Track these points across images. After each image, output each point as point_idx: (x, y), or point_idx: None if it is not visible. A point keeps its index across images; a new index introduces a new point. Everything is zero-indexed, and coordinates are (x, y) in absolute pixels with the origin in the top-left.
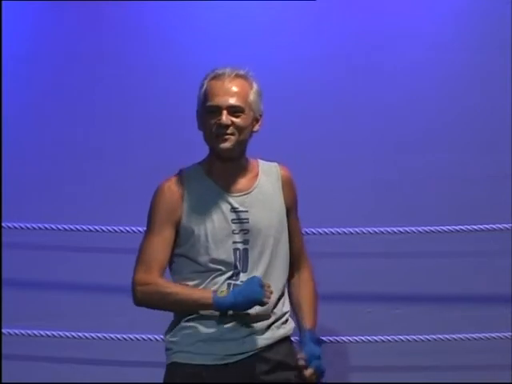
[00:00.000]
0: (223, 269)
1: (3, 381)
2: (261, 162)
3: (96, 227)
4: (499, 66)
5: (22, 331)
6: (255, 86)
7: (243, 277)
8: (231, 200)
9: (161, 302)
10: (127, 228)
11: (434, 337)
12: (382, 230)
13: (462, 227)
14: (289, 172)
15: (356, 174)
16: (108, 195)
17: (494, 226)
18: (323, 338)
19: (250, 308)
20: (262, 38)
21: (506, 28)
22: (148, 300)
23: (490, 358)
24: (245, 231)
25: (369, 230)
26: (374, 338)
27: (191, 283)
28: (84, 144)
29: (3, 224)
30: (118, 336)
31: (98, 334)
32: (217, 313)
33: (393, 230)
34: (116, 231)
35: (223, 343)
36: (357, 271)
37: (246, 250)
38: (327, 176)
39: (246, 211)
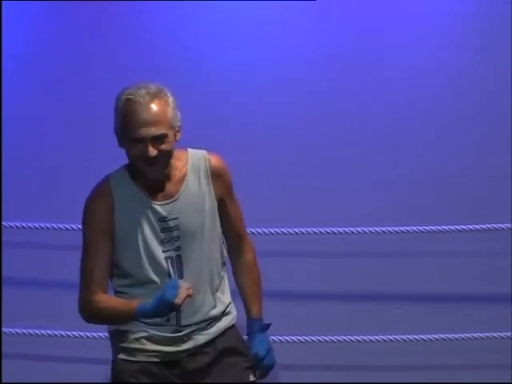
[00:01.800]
0: (157, 280)
1: (3, 381)
2: (190, 153)
3: None
4: (499, 66)
5: (22, 331)
6: (170, 100)
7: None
8: (159, 209)
9: (103, 319)
10: None
11: (434, 336)
12: (382, 229)
13: (462, 227)
14: (219, 160)
15: (356, 174)
16: None
17: (494, 226)
18: (267, 323)
19: (169, 312)
20: (262, 38)
21: (506, 28)
22: (93, 318)
23: (490, 357)
24: (175, 238)
25: (369, 229)
26: (375, 337)
27: (132, 293)
28: (84, 144)
29: (3, 223)
30: None
31: (99, 334)
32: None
33: (394, 230)
34: None
35: (166, 341)
36: (357, 271)
37: (178, 257)
38: (327, 176)
39: (175, 218)
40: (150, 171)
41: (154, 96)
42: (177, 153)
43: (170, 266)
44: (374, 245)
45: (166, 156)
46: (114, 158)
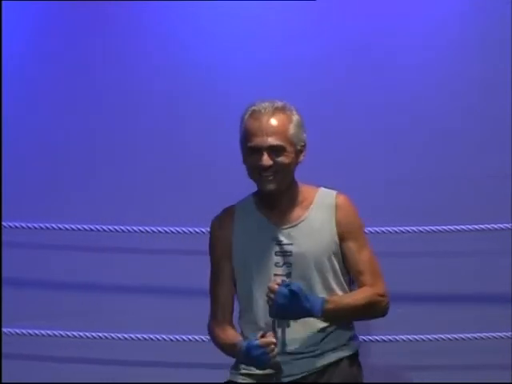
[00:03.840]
0: (258, 307)
1: (3, 381)
2: (321, 190)
3: (97, 227)
4: (499, 66)
5: (22, 331)
6: (295, 118)
7: None
8: (277, 233)
9: (218, 347)
10: (127, 228)
11: (434, 336)
12: (382, 229)
13: (462, 227)
14: (346, 200)
15: (356, 175)
16: (108, 195)
17: (494, 226)
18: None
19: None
20: (262, 38)
21: (506, 28)
22: (213, 342)
23: (490, 357)
24: (288, 264)
25: (369, 229)
26: (376, 337)
27: (246, 318)
28: (84, 144)
29: (3, 224)
30: (119, 335)
31: (99, 334)
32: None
33: (394, 230)
34: (116, 231)
35: (274, 364)
36: None
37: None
38: (327, 176)
39: (291, 244)
40: (262, 182)
41: (277, 109)
42: (307, 187)
43: None
44: (373, 245)
45: (282, 170)
46: (114, 158)
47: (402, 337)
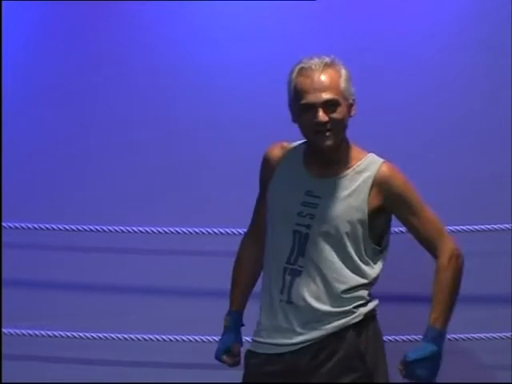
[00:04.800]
0: (280, 247)
1: (3, 381)
2: (370, 157)
3: (96, 227)
4: (500, 67)
5: (22, 331)
6: (343, 72)
7: (301, 261)
8: (309, 183)
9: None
10: (127, 228)
11: None
12: None
13: (461, 227)
14: (389, 171)
15: None
16: (108, 195)
17: (494, 226)
18: (442, 334)
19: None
20: (262, 38)
21: (506, 28)
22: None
23: (490, 358)
24: (311, 216)
25: None
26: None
27: (265, 260)
28: (84, 144)
29: (3, 224)
30: (119, 336)
31: (99, 334)
32: (275, 304)
33: (394, 230)
34: (116, 231)
35: (281, 333)
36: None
37: (306, 235)
38: None
39: (319, 197)
40: (319, 139)
41: (327, 65)
42: (358, 149)
43: (297, 240)
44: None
45: (338, 126)
46: (114, 158)
47: (402, 337)
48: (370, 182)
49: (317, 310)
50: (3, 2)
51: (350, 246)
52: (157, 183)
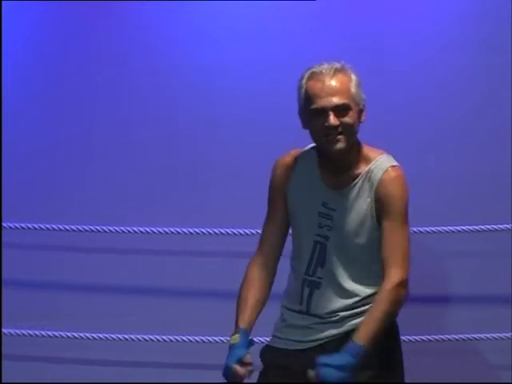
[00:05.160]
0: (301, 256)
1: (3, 381)
2: (382, 158)
3: (96, 227)
4: (500, 67)
5: (22, 331)
6: (354, 78)
7: (320, 272)
8: (325, 194)
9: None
10: (127, 228)
11: (434, 337)
12: None
13: (462, 227)
14: (392, 174)
15: None
16: (108, 195)
17: (494, 227)
18: (358, 356)
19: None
20: (262, 38)
21: (506, 28)
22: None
23: (490, 358)
24: (328, 227)
25: None
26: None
27: (292, 266)
28: (84, 144)
29: (3, 224)
30: (119, 336)
31: (99, 334)
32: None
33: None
34: (116, 231)
35: (297, 329)
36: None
37: (324, 246)
38: None
39: (334, 210)
40: (330, 143)
41: (337, 70)
42: (371, 151)
43: (317, 251)
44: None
45: (348, 130)
46: (114, 158)
47: (403, 337)
48: (374, 186)
49: (335, 316)
50: (3, 2)
51: (368, 256)
52: (157, 183)
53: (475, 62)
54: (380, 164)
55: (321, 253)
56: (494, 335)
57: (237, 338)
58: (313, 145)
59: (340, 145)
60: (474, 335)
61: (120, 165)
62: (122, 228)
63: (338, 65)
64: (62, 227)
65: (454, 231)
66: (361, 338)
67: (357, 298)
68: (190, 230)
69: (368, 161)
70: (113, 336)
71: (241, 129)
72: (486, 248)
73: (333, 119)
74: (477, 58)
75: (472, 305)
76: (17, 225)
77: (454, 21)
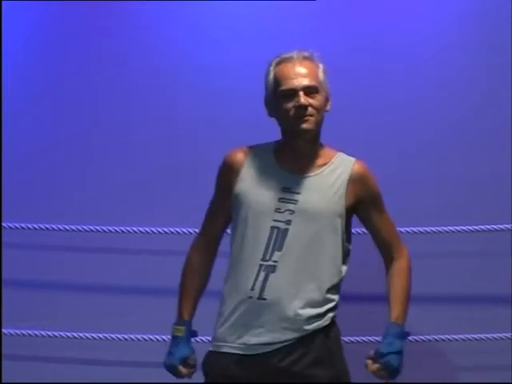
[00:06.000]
0: (255, 244)
1: (3, 381)
2: (341, 155)
3: (96, 227)
4: (500, 67)
5: (22, 331)
6: (321, 66)
7: (276, 256)
8: (287, 180)
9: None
10: (127, 228)
11: (434, 337)
12: None
13: (462, 227)
14: (364, 169)
15: None
16: (108, 195)
17: (494, 227)
18: (405, 331)
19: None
20: (262, 38)
21: (506, 28)
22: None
23: (490, 358)
24: (290, 211)
25: None
26: (376, 338)
27: (236, 257)
28: (84, 144)
29: (3, 224)
30: (119, 336)
31: (99, 334)
32: (244, 302)
33: None
34: (116, 231)
35: (250, 331)
36: (358, 272)
37: (285, 231)
38: None
39: (298, 193)
40: (300, 122)
41: (305, 57)
42: (329, 148)
43: (274, 236)
44: (373, 246)
45: (317, 112)
46: (114, 158)
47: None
48: (345, 178)
49: (290, 308)
50: (3, 2)
51: (329, 241)
52: (157, 183)
53: (475, 61)
54: (343, 159)
55: (278, 237)
56: (494, 335)
57: (182, 330)
58: (269, 142)
59: (309, 124)
60: (474, 335)
61: (120, 165)
62: (122, 228)
63: (306, 53)
64: (61, 227)
65: (453, 231)
66: (399, 319)
67: (312, 285)
68: (190, 230)
69: (329, 156)
70: (113, 336)
71: (241, 129)
72: (486, 248)
73: (303, 99)
74: (477, 58)
75: (472, 305)
76: (17, 225)
77: (454, 21)
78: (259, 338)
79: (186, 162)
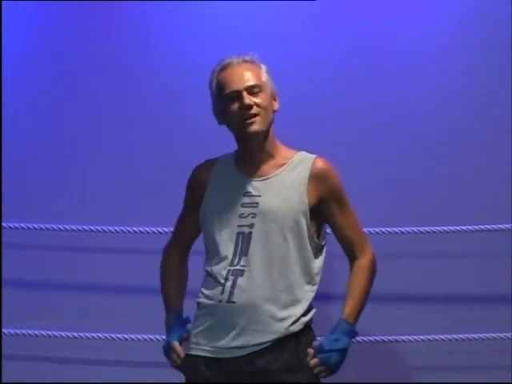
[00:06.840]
0: (224, 252)
1: (3, 381)
2: (301, 153)
3: (96, 227)
4: (499, 67)
5: (22, 331)
6: (264, 67)
7: (244, 260)
8: (247, 185)
9: (160, 276)
10: (127, 228)
11: (434, 337)
12: (381, 230)
13: (462, 227)
14: (325, 165)
15: (355, 175)
16: (108, 195)
17: (494, 226)
18: (354, 330)
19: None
20: (261, 38)
21: (506, 28)
22: (160, 267)
23: (491, 358)
24: (252, 215)
25: (369, 230)
26: (376, 338)
27: (208, 268)
28: (84, 144)
29: (3, 224)
30: (119, 336)
31: (99, 334)
32: (214, 306)
33: (393, 231)
34: (116, 231)
35: (219, 337)
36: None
37: (249, 234)
38: None
39: (259, 196)
40: (246, 125)
41: (246, 61)
42: (288, 148)
43: (240, 241)
44: (374, 245)
45: (263, 111)
46: (114, 158)
47: (403, 337)
48: (306, 175)
49: (259, 311)
50: (3, 2)
51: (294, 240)
52: (157, 183)
53: (475, 61)
54: (303, 157)
55: (243, 242)
56: (494, 335)
57: (169, 319)
58: (230, 152)
59: (256, 126)
60: (473, 335)
61: (120, 165)
62: (122, 228)
63: (247, 56)
64: (61, 227)
65: (453, 231)
66: (350, 317)
67: (281, 285)
68: None
69: (288, 156)
70: (113, 336)
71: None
72: (486, 248)
73: (247, 97)
74: (477, 58)
75: (472, 305)
76: (17, 225)
77: (454, 21)
78: (230, 341)
79: (186, 162)
